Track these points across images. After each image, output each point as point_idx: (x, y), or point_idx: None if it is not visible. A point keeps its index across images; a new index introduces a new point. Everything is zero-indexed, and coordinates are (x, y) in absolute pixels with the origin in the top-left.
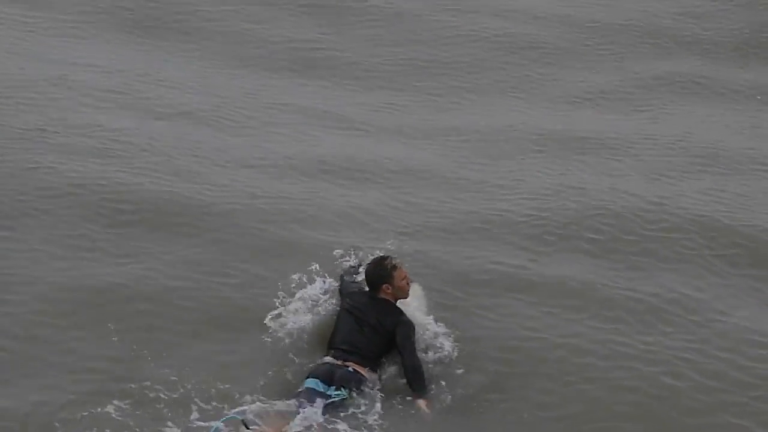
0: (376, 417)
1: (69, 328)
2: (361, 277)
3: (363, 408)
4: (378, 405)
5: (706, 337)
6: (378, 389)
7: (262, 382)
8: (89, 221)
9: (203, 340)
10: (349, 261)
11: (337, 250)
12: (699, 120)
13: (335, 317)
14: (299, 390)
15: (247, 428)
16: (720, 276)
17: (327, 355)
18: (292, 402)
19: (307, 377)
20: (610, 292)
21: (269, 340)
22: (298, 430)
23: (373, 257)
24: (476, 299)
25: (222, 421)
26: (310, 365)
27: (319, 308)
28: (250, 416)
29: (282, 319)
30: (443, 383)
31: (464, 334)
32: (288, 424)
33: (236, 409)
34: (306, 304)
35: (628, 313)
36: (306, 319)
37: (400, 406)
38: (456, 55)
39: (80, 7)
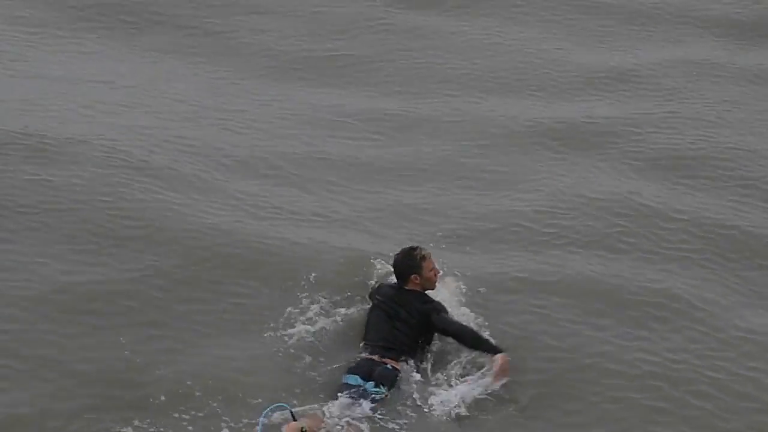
0: (410, 418)
1: (77, 348)
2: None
3: (400, 406)
4: (413, 404)
5: (732, 356)
6: (415, 385)
7: (295, 402)
8: (93, 234)
9: (220, 357)
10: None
11: (341, 260)
12: (717, 115)
13: (363, 319)
14: (339, 386)
15: (294, 419)
16: (745, 295)
17: (363, 352)
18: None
19: (346, 373)
20: (635, 309)
21: (288, 352)
22: (337, 424)
23: (402, 248)
24: (501, 316)
25: (269, 410)
26: (349, 361)
27: (333, 319)
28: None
29: (298, 332)
30: (466, 401)
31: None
32: (326, 419)
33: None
34: (319, 316)
35: (652, 331)
36: (322, 331)
37: (435, 409)
38: (470, 57)
39: (81, 23)
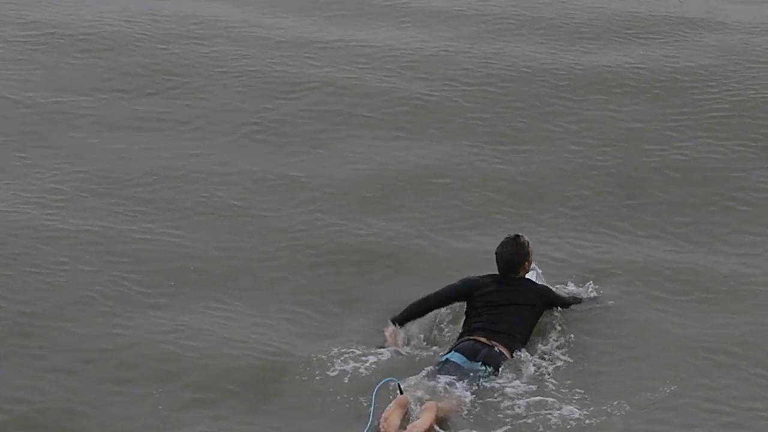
0: (514, 404)
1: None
2: None
3: (501, 394)
4: (510, 397)
5: None
6: (518, 375)
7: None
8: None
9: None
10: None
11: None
12: None
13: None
14: (438, 364)
15: (401, 393)
16: None
17: (471, 336)
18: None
19: (448, 352)
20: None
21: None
22: (442, 401)
23: (504, 239)
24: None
25: (380, 386)
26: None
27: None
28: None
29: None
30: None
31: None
32: (431, 396)
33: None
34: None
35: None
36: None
37: (534, 399)
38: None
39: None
